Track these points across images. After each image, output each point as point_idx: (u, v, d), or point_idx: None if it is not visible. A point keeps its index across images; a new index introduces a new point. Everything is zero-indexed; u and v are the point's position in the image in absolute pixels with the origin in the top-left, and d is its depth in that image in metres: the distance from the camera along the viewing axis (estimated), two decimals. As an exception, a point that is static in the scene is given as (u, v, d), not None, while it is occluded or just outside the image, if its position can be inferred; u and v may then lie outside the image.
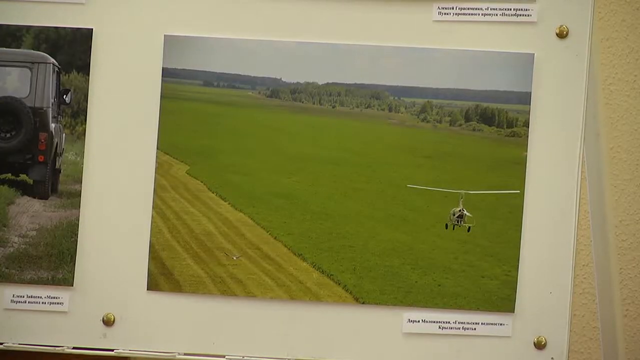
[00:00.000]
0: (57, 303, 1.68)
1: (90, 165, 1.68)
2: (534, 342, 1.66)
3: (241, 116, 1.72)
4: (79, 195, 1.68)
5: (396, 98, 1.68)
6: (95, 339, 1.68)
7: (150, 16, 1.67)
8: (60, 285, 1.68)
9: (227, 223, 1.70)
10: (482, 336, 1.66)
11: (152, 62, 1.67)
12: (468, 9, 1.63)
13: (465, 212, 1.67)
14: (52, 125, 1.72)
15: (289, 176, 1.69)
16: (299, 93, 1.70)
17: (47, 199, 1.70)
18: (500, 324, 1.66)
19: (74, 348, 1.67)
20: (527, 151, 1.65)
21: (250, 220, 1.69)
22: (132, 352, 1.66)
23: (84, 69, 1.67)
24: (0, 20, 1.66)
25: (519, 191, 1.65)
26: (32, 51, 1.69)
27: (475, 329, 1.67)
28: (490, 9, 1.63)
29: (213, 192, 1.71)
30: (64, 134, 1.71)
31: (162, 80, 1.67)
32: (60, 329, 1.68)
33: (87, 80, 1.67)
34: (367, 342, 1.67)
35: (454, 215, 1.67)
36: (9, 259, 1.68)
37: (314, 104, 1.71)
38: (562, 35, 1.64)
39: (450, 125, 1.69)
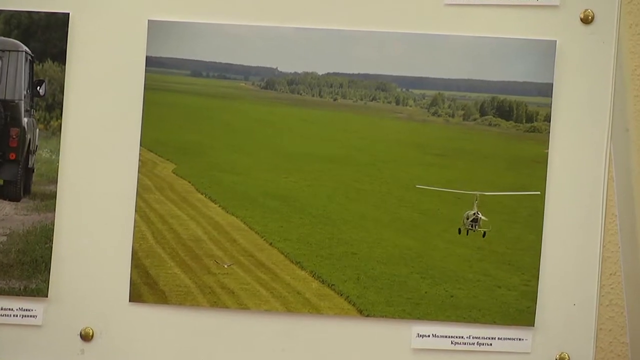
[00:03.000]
0: (30, 316, 1.67)
1: (67, 163, 1.68)
2: (556, 359, 1.65)
3: (233, 110, 1.73)
4: (54, 197, 1.67)
5: (404, 90, 1.69)
6: (72, 355, 1.67)
7: (132, -1, 1.68)
8: (34, 296, 1.67)
9: (217, 228, 1.70)
10: (499, 352, 1.66)
11: (135, 50, 1.67)
12: (484, -9, 1.66)
13: (480, 215, 1.67)
14: (25, 120, 1.72)
15: (285, 176, 1.69)
16: (296, 84, 1.70)
17: (19, 201, 1.70)
18: (519, 339, 1.66)
19: (48, 365, 1.66)
20: (548, 148, 1.65)
21: (243, 225, 1.69)
22: (112, 369, 1.67)
23: (60, 57, 1.67)
24: (-34, 4, 1.68)
25: (539, 192, 1.65)
26: (3, 38, 1.69)
27: (491, 344, 1.66)
28: (508, -8, 1.64)
29: (202, 194, 1.72)
30: (37, 130, 1.71)
31: (145, 70, 1.66)
32: (33, 345, 1.68)
33: (63, 70, 1.67)
34: (372, 358, 1.67)
35: (467, 219, 1.67)
36: (-23, 268, 1.68)
37: (313, 96, 1.71)
38: (587, 20, 1.63)
39: (463, 119, 1.69)
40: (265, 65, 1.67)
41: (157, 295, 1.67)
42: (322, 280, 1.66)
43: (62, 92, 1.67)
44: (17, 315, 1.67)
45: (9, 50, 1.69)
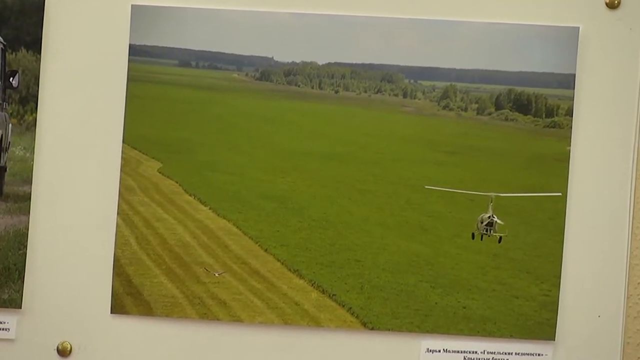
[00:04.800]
0: (3, 329, 1.66)
1: (42, 162, 1.67)
2: (579, 376, 1.64)
3: (225, 103, 1.72)
4: (29, 198, 1.66)
5: (412, 81, 1.68)
6: (48, 372, 1.66)
7: (115, -18, 1.67)
8: (6, 307, 1.66)
9: (207, 232, 1.69)
10: (517, 369, 1.64)
11: (117, 38, 1.66)
12: (499, -28, 1.65)
13: (495, 219, 1.66)
14: (-4, 114, 1.69)
15: (282, 175, 1.69)
16: (294, 75, 1.70)
17: (-11, 203, 1.67)
18: (539, 355, 1.65)
19: (22, 383, 1.66)
20: (570, 145, 1.64)
21: (235, 229, 1.69)
22: (93, 387, 1.67)
23: (35, 45, 1.66)
24: None
25: (560, 193, 1.64)
26: (-29, 24, 1.66)
27: (507, 360, 1.63)
28: (527, -27, 1.63)
29: (190, 195, 1.71)
30: (10, 125, 1.69)
31: (129, 59, 1.66)
32: (5, 360, 1.66)
33: (39, 60, 1.66)
34: (377, 376, 1.65)
35: (482, 222, 1.67)
36: (-56, 276, 1.68)
37: (312, 88, 1.71)
38: (613, 5, 1.63)
39: (477, 113, 1.69)
40: (260, 55, 1.67)
41: (141, 307, 1.66)
42: (323, 290, 1.65)
43: (37, 83, 1.66)
44: (-12, 328, 1.65)
45: (-21, 38, 1.67)
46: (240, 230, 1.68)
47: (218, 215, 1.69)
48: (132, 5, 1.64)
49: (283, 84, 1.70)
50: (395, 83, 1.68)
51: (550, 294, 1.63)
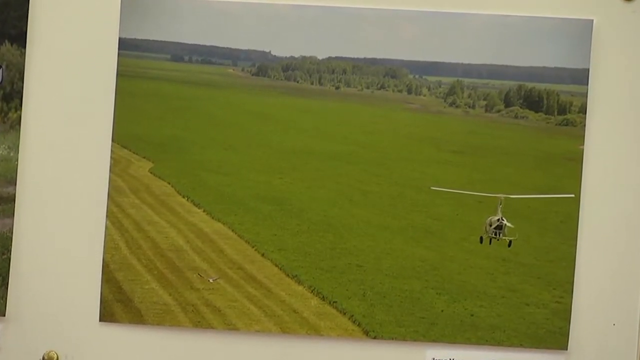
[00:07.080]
0: None
1: (27, 162, 1.68)
2: (593, 388, 1.64)
3: (219, 100, 1.73)
4: (13, 200, 1.67)
5: (417, 77, 1.69)
6: (33, 383, 1.66)
7: (103, -28, 1.69)
8: None
9: (201, 236, 1.69)
10: (527, 380, 1.64)
11: (106, 31, 1.67)
12: (509, -37, 1.66)
13: (504, 221, 1.66)
14: (-22, 111, 1.68)
15: (280, 176, 1.68)
16: (293, 70, 1.70)
17: (-29, 205, 1.67)
18: None
19: (5, 396, 1.67)
20: (583, 144, 1.64)
21: (231, 232, 1.69)
22: (80, 400, 1.68)
23: (20, 39, 1.67)
24: None
25: (573, 195, 1.64)
26: (-47, 17, 1.66)
27: (517, 371, 1.64)
28: (538, -36, 1.63)
29: (183, 197, 1.71)
30: None
31: (118, 53, 1.66)
32: (-12, 371, 1.66)
33: (23, 54, 1.67)
34: (380, 387, 1.65)
35: (490, 225, 1.66)
36: None
37: (312, 84, 1.72)
38: None
39: (485, 111, 1.69)
40: (257, 49, 1.67)
41: (131, 314, 1.66)
42: (323, 297, 1.65)
43: (21, 79, 1.67)
44: (-30, 338, 1.65)
45: (-39, 32, 1.68)
46: (235, 233, 1.68)
47: (212, 218, 1.69)
48: (122, -4, 1.64)
49: (281, 79, 1.70)
50: (399, 78, 1.68)
51: (562, 301, 1.63)
